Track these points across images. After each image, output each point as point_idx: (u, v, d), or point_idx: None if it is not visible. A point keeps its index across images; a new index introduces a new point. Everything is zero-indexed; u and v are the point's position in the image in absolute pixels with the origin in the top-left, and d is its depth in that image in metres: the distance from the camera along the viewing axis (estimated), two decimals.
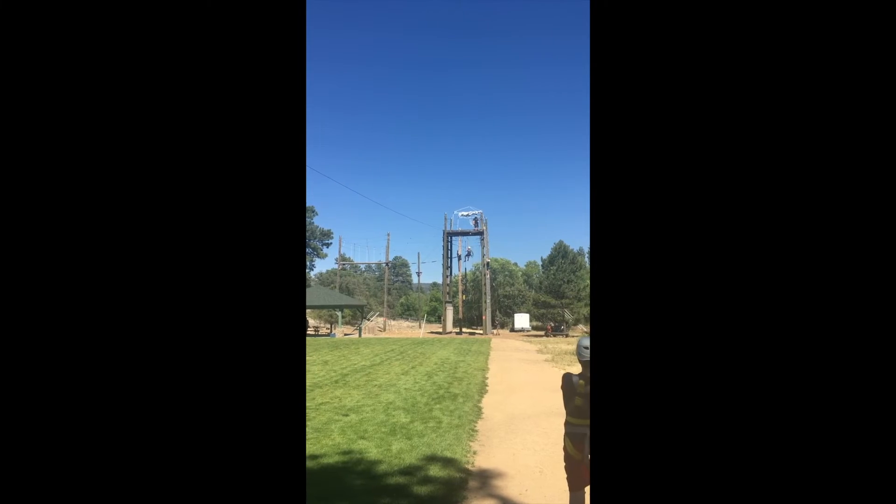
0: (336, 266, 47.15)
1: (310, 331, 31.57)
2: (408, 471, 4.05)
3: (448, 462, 4.29)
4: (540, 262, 47.99)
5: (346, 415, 6.21)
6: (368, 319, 38.62)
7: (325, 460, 4.36)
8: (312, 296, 31.93)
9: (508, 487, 3.78)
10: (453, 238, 34.46)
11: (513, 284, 48.85)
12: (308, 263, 54.29)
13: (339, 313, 33.57)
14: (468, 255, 34.76)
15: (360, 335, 28.88)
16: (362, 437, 5.09)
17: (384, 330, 36.84)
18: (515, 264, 57.07)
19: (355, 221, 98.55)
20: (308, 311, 35.67)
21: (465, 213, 34.18)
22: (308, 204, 53.62)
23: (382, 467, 4.15)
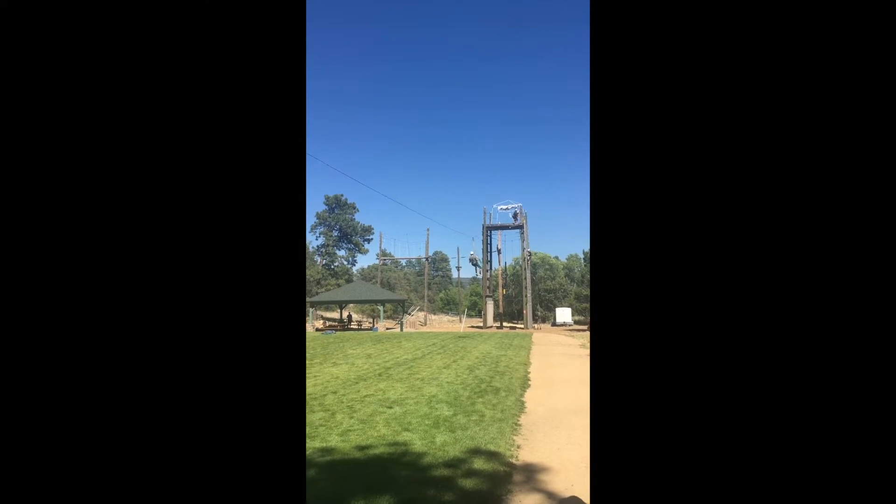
0: (377, 261, 47.86)
1: (353, 325, 32.24)
2: (452, 463, 4.08)
3: (492, 455, 4.29)
4: (582, 256, 47.12)
5: (391, 407, 6.31)
6: (409, 314, 39.07)
7: (372, 451, 4.45)
8: (355, 290, 32.57)
9: (554, 482, 3.74)
10: (493, 232, 34.28)
11: (554, 278, 48.18)
12: (350, 259, 55.38)
13: (380, 308, 34.11)
14: (498, 251, 34.54)
15: (401, 329, 29.27)
16: (406, 430, 5.17)
17: (425, 324, 37.18)
18: (556, 258, 56.28)
19: (395, 217, 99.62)
20: (351, 305, 36.44)
21: (504, 207, 33.91)
22: (350, 200, 54.62)
23: (427, 459, 4.19)
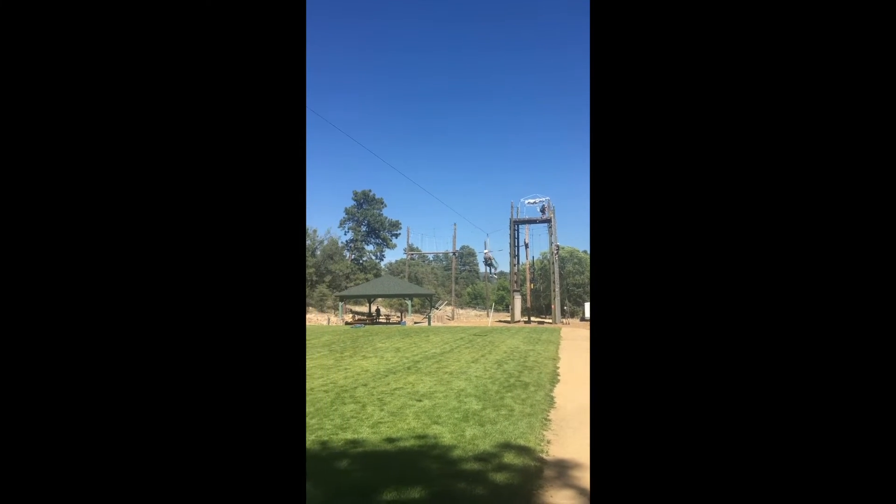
0: (405, 256, 48.19)
1: (381, 319, 32.59)
2: (482, 457, 4.09)
3: (522, 450, 4.27)
4: None
5: (420, 400, 6.36)
6: (437, 308, 39.23)
7: (402, 443, 4.50)
8: (383, 285, 32.88)
9: (586, 478, 3.70)
10: (520, 226, 34.02)
11: (582, 273, 47.53)
12: (378, 253, 55.94)
13: (408, 302, 34.35)
14: (525, 245, 34.09)
15: (429, 323, 29.42)
16: (436, 423, 5.20)
17: (452, 318, 37.27)
18: (585, 252, 55.46)
19: (423, 211, 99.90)
20: (379, 299, 36.83)
21: (531, 201, 33.58)
22: (378, 196, 55.07)
23: (457, 452, 4.21)
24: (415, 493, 3.35)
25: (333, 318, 33.13)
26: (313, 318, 36.54)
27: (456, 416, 5.50)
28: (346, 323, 29.67)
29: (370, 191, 55.16)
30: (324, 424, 5.17)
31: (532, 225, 34.14)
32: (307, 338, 17.34)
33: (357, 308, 40.72)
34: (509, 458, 4.08)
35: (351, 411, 5.77)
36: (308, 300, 41.21)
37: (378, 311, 33.98)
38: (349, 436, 4.74)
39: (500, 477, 3.66)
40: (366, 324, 28.48)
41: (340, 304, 33.06)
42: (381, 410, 5.80)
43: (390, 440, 4.60)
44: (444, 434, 4.77)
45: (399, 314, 36.30)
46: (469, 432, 4.82)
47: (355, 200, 55.34)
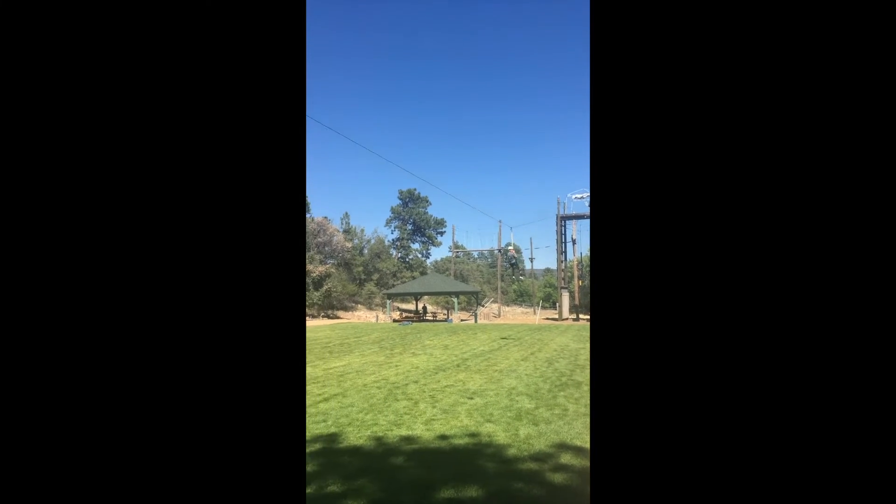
0: (450, 254, 48.35)
1: (428, 316, 32.85)
2: (539, 457, 4.02)
3: (579, 451, 4.17)
4: None
5: (471, 398, 6.35)
6: (483, 305, 39.14)
7: (456, 441, 4.50)
8: (429, 283, 33.12)
9: None
10: (567, 222, 33.36)
11: None
12: (424, 251, 56.40)
13: (454, 299, 34.44)
14: (573, 241, 33.18)
15: (475, 321, 29.40)
16: (489, 421, 5.17)
17: (498, 316, 37.07)
18: None
19: (468, 208, 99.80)
20: (425, 297, 37.14)
21: (578, 196, 32.80)
22: (423, 194, 55.50)
23: (512, 452, 4.17)
24: (472, 491, 3.34)
25: (381, 316, 33.69)
26: (362, 316, 37.31)
27: (509, 414, 5.46)
28: (394, 320, 30.11)
29: (415, 189, 55.72)
30: (378, 420, 5.25)
31: (580, 220, 33.40)
32: (357, 335, 17.73)
33: (404, 305, 41.24)
34: (566, 458, 3.99)
35: (404, 408, 5.83)
36: (356, 298, 42.12)
37: (425, 308, 34.26)
38: (403, 432, 4.79)
39: (557, 477, 3.59)
40: (413, 321, 28.79)
41: (388, 301, 33.58)
42: (434, 408, 5.83)
43: (444, 437, 4.61)
44: (498, 433, 4.73)
45: (445, 311, 36.46)
46: (523, 431, 4.76)
47: (401, 199, 56.04)
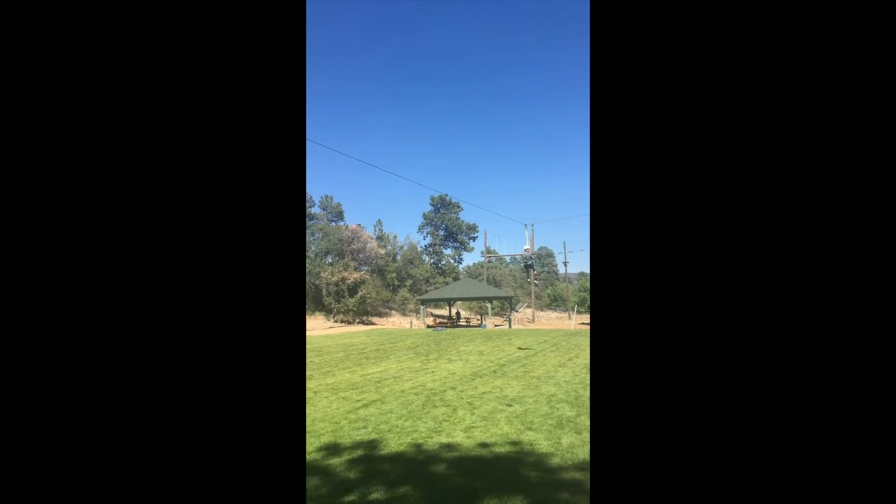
0: (482, 259, 48.19)
1: (461, 321, 32.79)
2: (583, 466, 3.93)
3: None
4: None
5: (510, 405, 6.27)
6: (516, 310, 38.80)
7: (497, 449, 4.45)
8: (462, 288, 33.07)
9: None
10: None
11: None
12: (456, 257, 56.43)
13: (487, 305, 34.28)
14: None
15: (509, 326, 29.15)
16: (529, 429, 5.09)
17: (533, 321, 36.66)
18: None
19: (499, 214, 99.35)
20: (458, 302, 37.11)
21: None
22: (455, 200, 55.63)
23: (555, 461, 4.08)
24: (516, 501, 3.28)
25: (415, 322, 33.85)
26: (396, 322, 37.59)
27: (550, 422, 5.36)
28: (428, 326, 30.20)
29: (447, 195, 55.88)
30: (417, 427, 5.25)
31: None
32: (393, 340, 17.85)
33: (437, 311, 41.32)
34: None
35: (442, 414, 5.81)
36: (390, 304, 42.49)
37: (458, 313, 34.23)
38: (443, 439, 4.77)
39: None
40: (447, 327, 28.80)
41: (421, 307, 33.72)
42: (473, 414, 5.79)
43: (484, 445, 4.57)
44: (540, 441, 4.65)
45: (478, 317, 36.32)
46: (566, 440, 4.67)
47: (433, 205, 56.30)
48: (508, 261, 61.63)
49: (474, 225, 56.17)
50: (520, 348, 13.96)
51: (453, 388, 7.58)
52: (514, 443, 4.63)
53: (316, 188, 73.68)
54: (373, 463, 4.12)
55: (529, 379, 8.40)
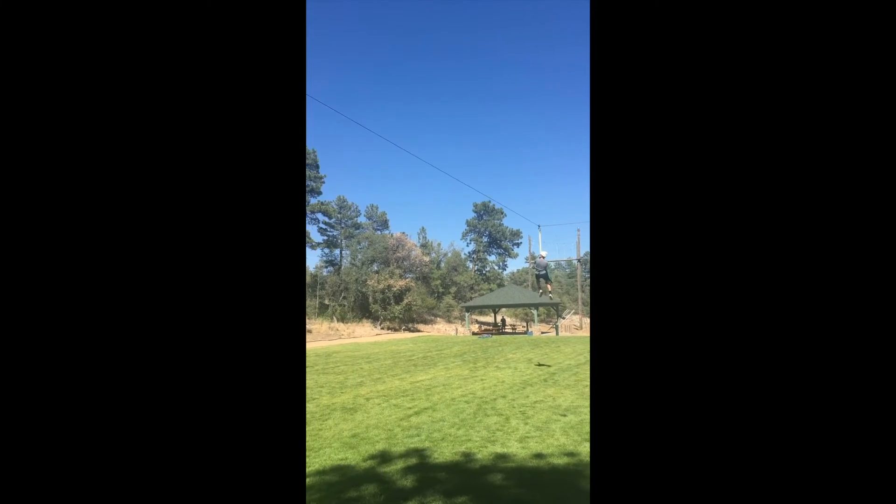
0: (527, 265, 47.65)
1: (507, 328, 32.48)
2: None
3: None
4: None
5: (564, 415, 6.11)
6: (563, 317, 38.06)
7: (553, 461, 4.33)
8: (507, 295, 32.79)
9: None
10: None
11: None
12: (500, 263, 56.08)
13: (534, 311, 33.80)
14: None
15: (556, 333, 28.61)
16: (586, 440, 4.93)
17: (580, 328, 35.83)
18: None
19: (545, 219, 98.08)
20: (504, 309, 36.80)
21: None
22: (497, 206, 55.40)
23: None
24: None
25: (461, 329, 33.82)
26: (441, 329, 37.70)
27: None
28: (473, 333, 30.09)
29: (489, 201, 55.74)
30: (471, 436, 5.20)
31: None
32: (439, 348, 17.87)
33: (482, 318, 41.12)
34: None
35: (495, 423, 5.73)
36: (435, 311, 42.68)
37: (503, 320, 33.93)
38: (498, 449, 4.70)
39: None
40: (492, 334, 28.59)
41: (466, 314, 33.66)
42: (526, 424, 5.68)
43: (540, 456, 4.46)
44: None
45: (524, 324, 35.87)
46: None
47: (476, 212, 56.29)
48: (553, 266, 60.60)
49: (518, 231, 55.70)
50: (538, 364, 13.64)
51: (504, 397, 7.48)
52: (570, 454, 4.50)
53: (361, 198, 75.29)
54: (427, 471, 4.10)
55: (582, 388, 8.17)
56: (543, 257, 12.16)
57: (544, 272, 12.07)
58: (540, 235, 16.53)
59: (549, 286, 12.36)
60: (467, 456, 4.52)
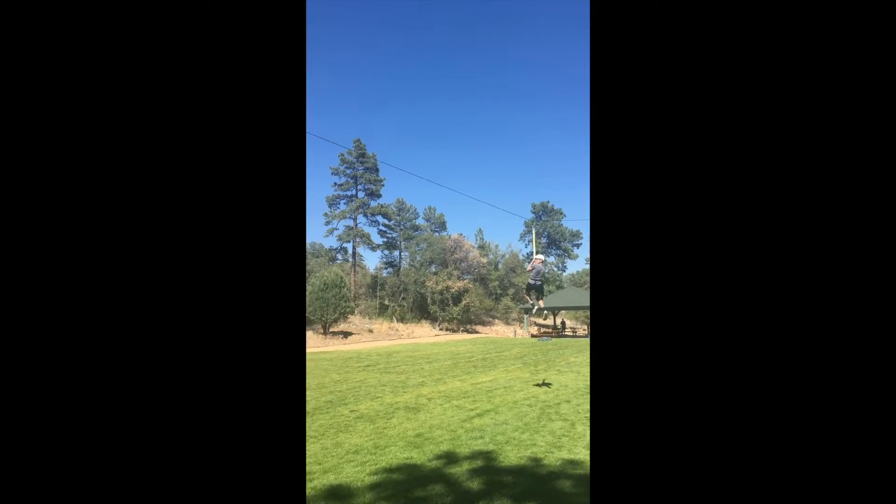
0: (587, 266, 46.40)
1: (567, 331, 31.76)
2: None
3: None
4: None
5: None
6: None
7: None
8: (566, 297, 32.08)
9: None
10: None
11: None
12: (559, 265, 54.98)
13: None
14: None
15: None
16: None
17: None
18: None
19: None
20: (563, 311, 36.03)
21: None
22: (557, 206, 54.39)
23: None
24: None
25: (519, 331, 33.46)
26: (499, 330, 37.47)
27: None
28: (532, 335, 29.68)
29: (548, 202, 54.81)
30: (536, 441, 5.10)
31: None
32: (498, 350, 17.76)
33: (540, 320, 40.45)
34: None
35: (560, 429, 5.60)
36: (493, 312, 42.47)
37: (563, 323, 33.21)
38: (565, 455, 4.58)
39: None
40: (552, 336, 28.06)
41: (525, 316, 33.24)
42: None
43: None
44: None
45: (584, 327, 34.92)
46: None
47: (534, 213, 55.54)
48: None
49: (578, 231, 54.40)
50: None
51: (568, 402, 7.30)
52: None
53: (420, 200, 76.38)
54: (494, 475, 4.06)
55: None
56: (542, 262, 9.59)
57: (539, 282, 9.33)
58: (534, 233, 15.31)
59: (540, 301, 9.46)
60: (533, 461, 4.43)
